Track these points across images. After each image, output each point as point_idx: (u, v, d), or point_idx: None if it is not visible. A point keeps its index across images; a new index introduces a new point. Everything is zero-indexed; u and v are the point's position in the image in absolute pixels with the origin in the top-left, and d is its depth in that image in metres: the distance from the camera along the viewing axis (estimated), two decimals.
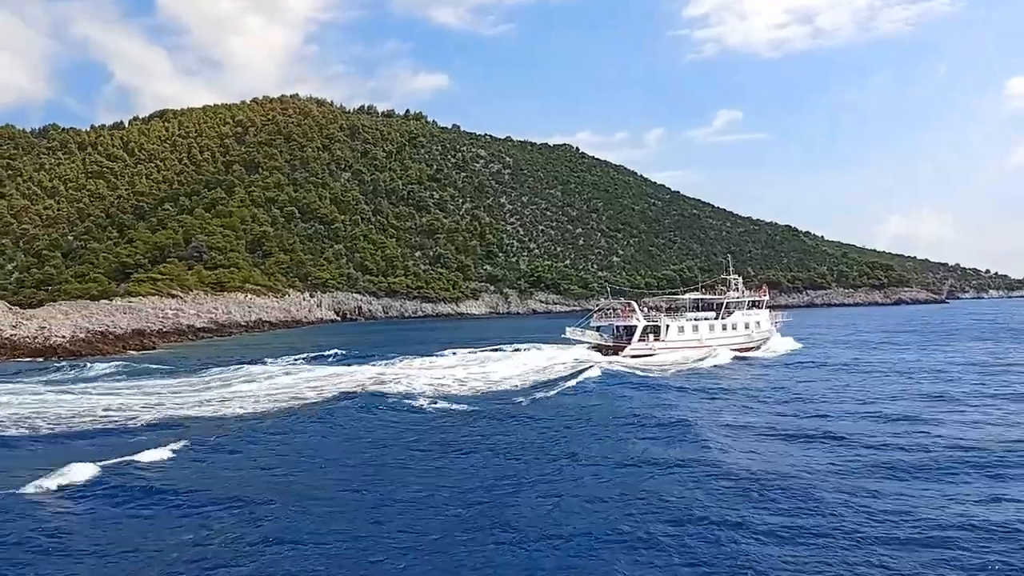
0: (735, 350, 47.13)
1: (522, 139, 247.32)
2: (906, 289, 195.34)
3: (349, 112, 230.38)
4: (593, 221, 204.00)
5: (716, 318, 49.55)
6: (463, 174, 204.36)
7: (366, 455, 18.08)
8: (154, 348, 56.28)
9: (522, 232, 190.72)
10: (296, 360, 41.91)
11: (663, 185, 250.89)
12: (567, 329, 47.34)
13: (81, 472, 15.19)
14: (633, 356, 43.61)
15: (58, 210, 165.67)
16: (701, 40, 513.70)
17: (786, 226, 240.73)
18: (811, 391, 29.03)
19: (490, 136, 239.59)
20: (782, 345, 52.17)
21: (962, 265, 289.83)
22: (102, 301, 75.66)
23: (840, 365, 38.84)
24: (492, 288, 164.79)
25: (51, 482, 14.60)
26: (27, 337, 49.25)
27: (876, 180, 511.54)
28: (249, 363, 39.12)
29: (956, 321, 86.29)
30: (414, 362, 39.31)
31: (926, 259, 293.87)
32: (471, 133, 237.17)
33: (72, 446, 18.89)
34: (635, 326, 45.53)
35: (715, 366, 39.96)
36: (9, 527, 12.09)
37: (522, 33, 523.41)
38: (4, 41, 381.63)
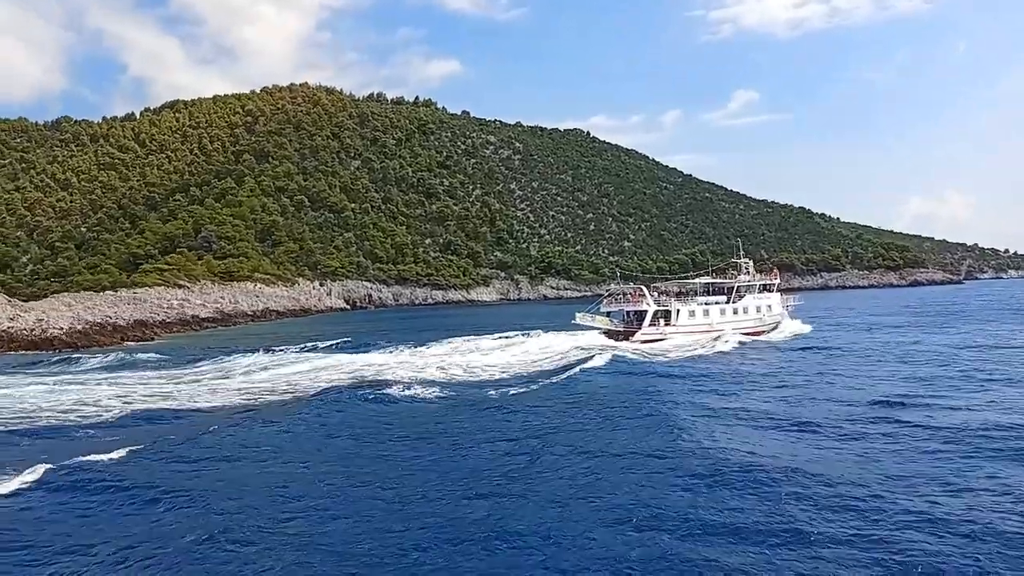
0: (746, 334, 46.75)
1: (532, 124, 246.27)
2: (922, 270, 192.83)
3: (359, 100, 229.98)
4: (604, 206, 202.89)
5: (727, 302, 49.21)
6: (473, 160, 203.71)
7: (341, 448, 17.73)
8: (153, 339, 56.34)
9: (532, 218, 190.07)
10: (287, 350, 41.34)
11: (675, 169, 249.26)
12: (577, 315, 47.07)
13: (31, 471, 14.89)
14: (644, 341, 43.35)
15: (71, 202, 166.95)
16: (717, 20, 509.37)
17: (800, 208, 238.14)
18: (809, 376, 28.50)
19: (500, 122, 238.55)
20: (793, 328, 51.63)
21: (981, 245, 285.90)
22: (107, 292, 75.92)
23: (841, 349, 38.12)
24: (503, 274, 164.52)
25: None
26: (24, 329, 49.44)
27: (895, 161, 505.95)
28: (242, 354, 38.85)
29: (965, 302, 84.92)
30: (412, 351, 38.98)
31: (944, 240, 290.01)
32: (481, 119, 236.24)
33: (27, 444, 18.54)
34: (646, 311, 45.30)
35: (723, 351, 39.40)
36: None
37: (535, 17, 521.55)
38: (19, 33, 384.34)
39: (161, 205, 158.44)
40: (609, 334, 45.48)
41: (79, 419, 21.02)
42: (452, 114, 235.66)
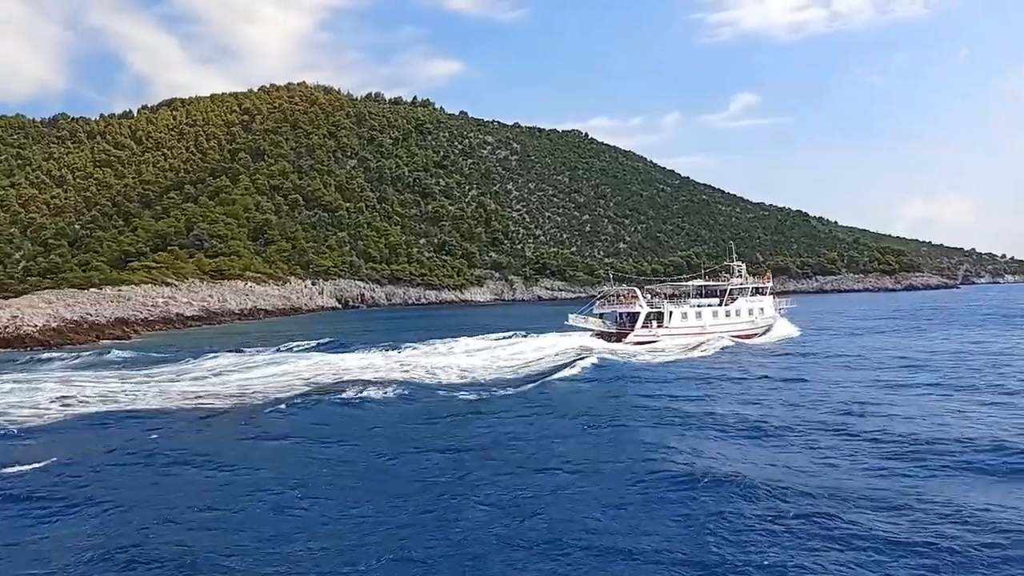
0: (738, 336, 46.82)
1: (530, 125, 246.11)
2: (917, 274, 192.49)
3: (356, 99, 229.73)
4: (600, 207, 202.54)
5: (720, 304, 49.28)
6: (470, 161, 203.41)
7: (277, 457, 17.34)
8: (130, 338, 56.04)
9: (528, 219, 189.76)
10: (261, 351, 40.82)
11: (673, 171, 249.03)
12: (570, 316, 46.88)
13: None
14: (636, 343, 43.39)
15: (65, 199, 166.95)
16: (717, 23, 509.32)
17: (797, 211, 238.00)
18: (778, 381, 28.35)
19: (498, 122, 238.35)
20: (785, 331, 51.74)
21: (978, 250, 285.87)
22: (91, 290, 75.69)
23: (818, 354, 37.93)
24: (497, 275, 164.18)
25: None
26: None
27: (894, 165, 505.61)
28: (212, 354, 38.40)
29: (955, 307, 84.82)
30: (386, 354, 38.57)
31: (941, 244, 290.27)
32: (478, 119, 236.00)
33: None
34: (638, 313, 45.29)
35: (706, 355, 39.27)
36: None
37: (537, 18, 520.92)
38: (20, 30, 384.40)
39: (155, 203, 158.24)
40: (601, 336, 45.41)
41: (6, 423, 20.38)
42: (450, 114, 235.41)
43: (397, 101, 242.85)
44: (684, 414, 21.76)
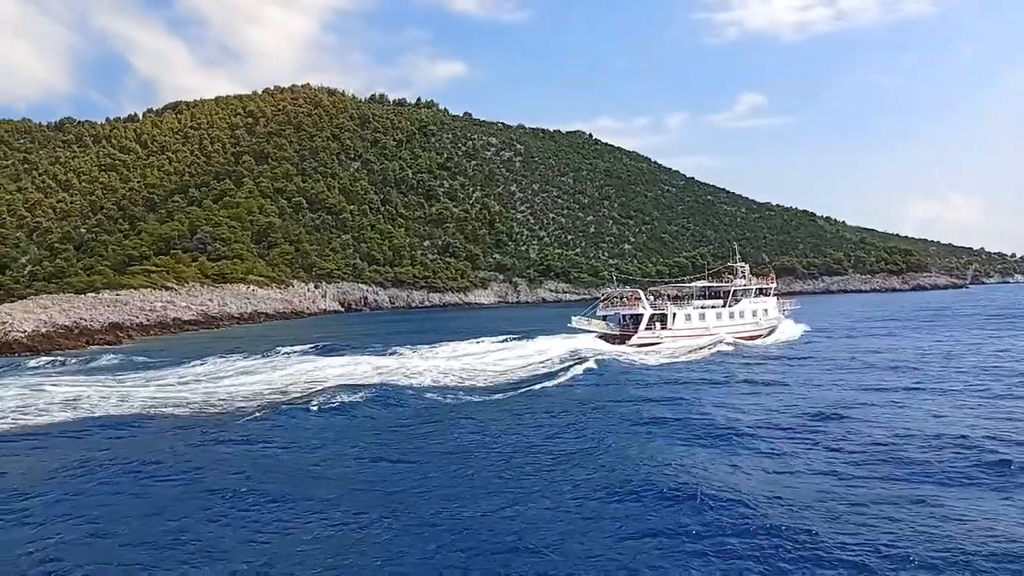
0: (742, 338, 46.70)
1: (534, 126, 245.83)
2: (925, 274, 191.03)
3: (360, 101, 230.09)
4: (605, 208, 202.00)
5: (723, 306, 49.23)
6: (474, 162, 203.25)
7: (241, 465, 17.04)
8: (120, 343, 55.99)
9: (532, 220, 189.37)
10: (248, 356, 40.25)
11: (677, 171, 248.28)
12: (573, 318, 46.88)
13: None
14: (640, 345, 43.31)
15: (71, 203, 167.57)
16: (722, 23, 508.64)
17: (803, 211, 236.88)
18: (763, 384, 28.11)
19: (502, 124, 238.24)
20: (789, 333, 51.49)
21: (988, 249, 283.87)
22: (89, 294, 75.79)
23: (812, 357, 37.43)
24: (501, 277, 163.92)
25: None
26: None
27: (901, 163, 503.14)
28: (196, 360, 37.97)
29: (959, 308, 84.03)
30: (372, 359, 38.07)
31: (950, 244, 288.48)
32: (482, 121, 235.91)
33: None
34: (641, 314, 45.26)
35: (707, 356, 39.07)
36: None
37: (541, 19, 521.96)
38: (27, 34, 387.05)
39: (160, 206, 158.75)
40: (605, 338, 45.29)
41: None
42: (454, 116, 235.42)
43: (401, 103, 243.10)
44: (659, 420, 21.46)
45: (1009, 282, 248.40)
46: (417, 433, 20.39)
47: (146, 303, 74.57)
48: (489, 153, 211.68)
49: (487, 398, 25.79)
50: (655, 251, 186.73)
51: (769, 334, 50.15)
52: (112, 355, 43.44)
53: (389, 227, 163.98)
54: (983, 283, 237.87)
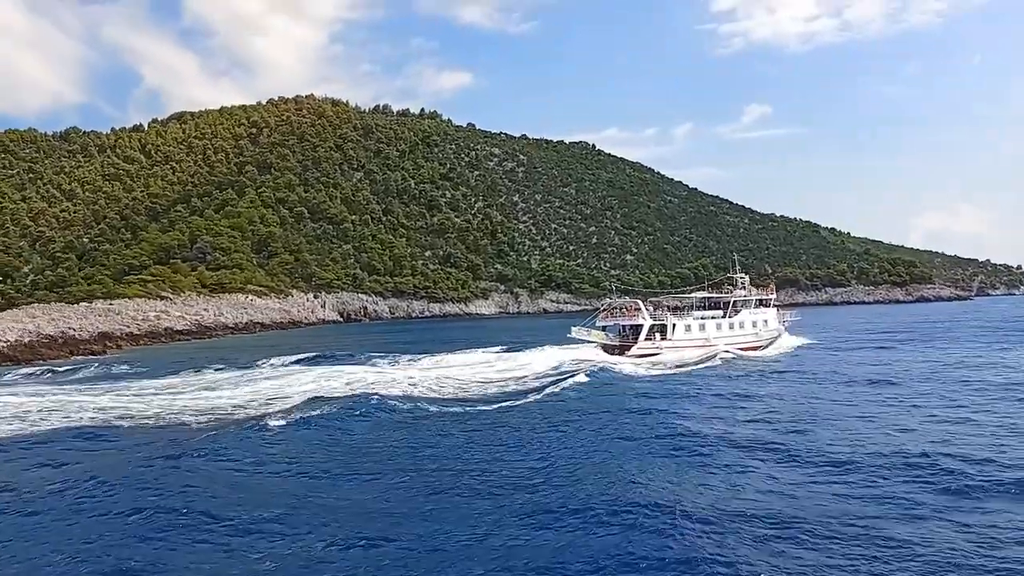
0: (742, 349, 46.59)
1: (537, 137, 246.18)
2: (929, 286, 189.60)
3: (364, 112, 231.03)
4: (607, 219, 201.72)
5: (723, 317, 49.19)
6: (476, 172, 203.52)
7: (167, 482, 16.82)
8: (105, 353, 55.83)
9: (534, 231, 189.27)
10: (228, 368, 39.63)
11: (680, 182, 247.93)
12: (573, 329, 46.93)
13: None
14: (639, 356, 43.24)
15: (74, 212, 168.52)
16: (728, 34, 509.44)
17: (806, 222, 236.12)
18: (747, 397, 27.83)
19: (505, 134, 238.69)
20: (789, 344, 51.49)
21: (993, 261, 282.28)
22: (81, 304, 75.88)
23: (798, 371, 37.05)
24: (502, 287, 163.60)
25: None
26: None
27: (909, 175, 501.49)
28: (171, 373, 37.44)
29: (959, 319, 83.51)
30: (352, 370, 37.71)
31: (955, 255, 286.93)
32: (485, 131, 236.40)
33: None
34: (641, 325, 45.19)
35: (707, 367, 38.99)
36: None
37: (547, 30, 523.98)
38: (40, 47, 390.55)
39: (163, 216, 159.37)
40: (604, 348, 45.34)
41: None
42: (457, 126, 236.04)
43: (404, 113, 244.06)
44: (627, 436, 21.20)
45: (1015, 293, 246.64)
46: (371, 449, 20.05)
47: (139, 313, 74.64)
48: (492, 163, 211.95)
49: (458, 411, 25.45)
50: (657, 262, 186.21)
51: (769, 345, 50.08)
52: (94, 366, 43.25)
53: (390, 237, 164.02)
54: (988, 295, 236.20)
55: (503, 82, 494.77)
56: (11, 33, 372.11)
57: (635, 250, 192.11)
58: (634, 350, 43.83)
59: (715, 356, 42.91)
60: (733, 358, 42.95)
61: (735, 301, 50.57)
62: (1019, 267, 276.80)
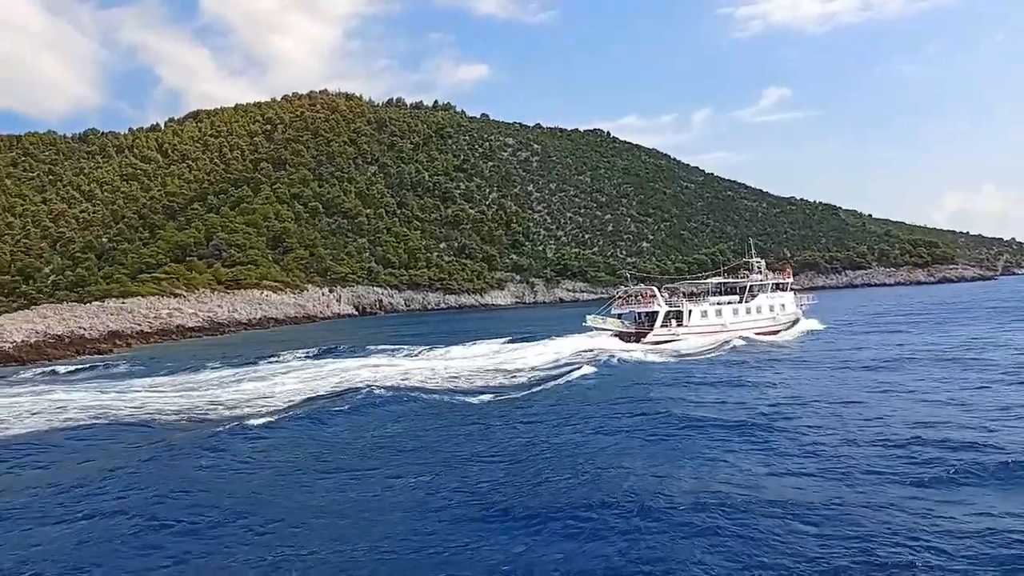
0: (760, 334, 46.26)
1: (552, 126, 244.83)
2: (951, 266, 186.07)
3: (377, 106, 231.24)
4: (623, 206, 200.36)
5: (740, 302, 48.97)
6: (490, 163, 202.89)
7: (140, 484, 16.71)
8: (112, 351, 56.23)
9: (549, 220, 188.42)
10: (231, 366, 39.33)
11: (697, 167, 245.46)
12: (588, 317, 46.76)
13: None
14: (655, 342, 43.02)
15: (93, 213, 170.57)
16: (745, 17, 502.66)
17: (825, 205, 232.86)
18: (755, 383, 27.58)
19: (519, 124, 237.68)
20: (807, 328, 50.90)
21: (1019, 239, 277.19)
22: (93, 303, 76.65)
23: (806, 357, 36.59)
24: (518, 278, 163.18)
25: None
26: None
27: (932, 154, 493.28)
28: (169, 371, 37.50)
29: (979, 300, 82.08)
30: (375, 360, 37.61)
31: (980, 235, 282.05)
32: (499, 121, 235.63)
33: None
34: (657, 312, 45.01)
35: (727, 352, 38.69)
36: None
37: (564, 19, 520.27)
38: (59, 49, 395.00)
39: (180, 214, 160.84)
40: (620, 336, 45.11)
41: None
42: (470, 117, 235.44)
43: (418, 106, 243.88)
44: (626, 429, 21.00)
45: None
46: (368, 444, 19.98)
47: (151, 311, 75.29)
48: (506, 154, 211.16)
49: (466, 402, 25.31)
50: (674, 248, 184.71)
51: (787, 329, 49.63)
52: (96, 365, 43.53)
53: (405, 230, 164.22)
54: (1014, 274, 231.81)
55: (520, 73, 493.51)
56: (29, 32, 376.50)
57: (651, 237, 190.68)
58: (650, 337, 43.62)
59: (731, 342, 42.51)
60: (748, 343, 42.54)
61: (751, 286, 50.49)
62: None
